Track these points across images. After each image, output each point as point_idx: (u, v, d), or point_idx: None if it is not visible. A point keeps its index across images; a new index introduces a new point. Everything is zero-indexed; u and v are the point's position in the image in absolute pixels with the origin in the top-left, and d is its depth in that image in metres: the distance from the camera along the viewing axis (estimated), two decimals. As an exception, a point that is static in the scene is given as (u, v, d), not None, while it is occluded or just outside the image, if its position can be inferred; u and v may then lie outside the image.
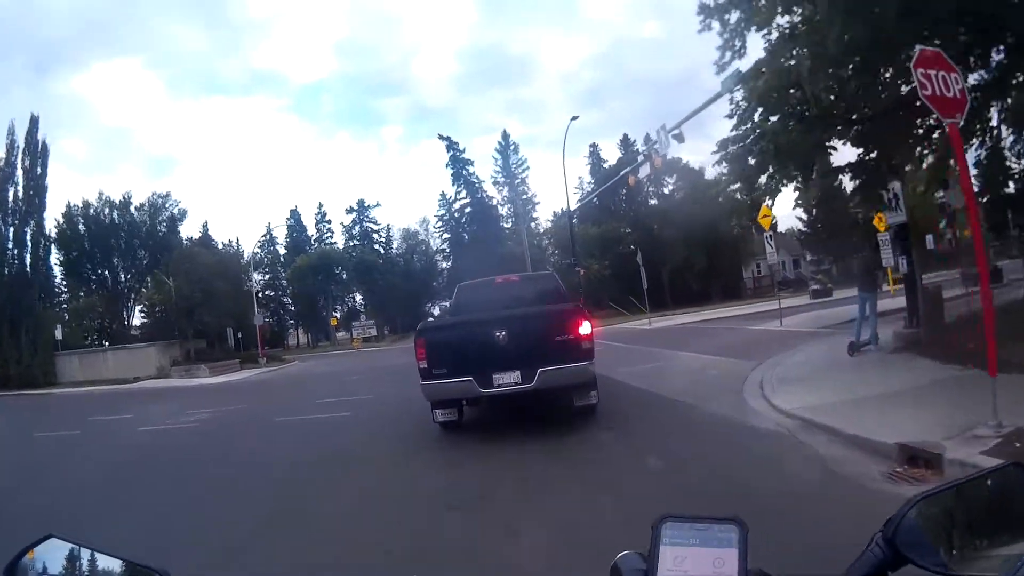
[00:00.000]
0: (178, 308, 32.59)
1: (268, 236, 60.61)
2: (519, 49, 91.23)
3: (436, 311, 60.59)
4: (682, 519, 0.79)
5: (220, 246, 52.22)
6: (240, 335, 36.49)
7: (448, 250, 58.85)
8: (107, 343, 37.23)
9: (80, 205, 44.34)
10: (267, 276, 59.86)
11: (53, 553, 1.02)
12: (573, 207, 35.70)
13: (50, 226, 38.00)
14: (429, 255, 60.29)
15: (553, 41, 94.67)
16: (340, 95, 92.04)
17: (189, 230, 52.26)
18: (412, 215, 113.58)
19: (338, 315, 59.55)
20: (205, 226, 54.77)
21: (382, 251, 59.97)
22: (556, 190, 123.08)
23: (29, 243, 32.17)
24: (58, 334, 30.36)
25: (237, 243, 56.24)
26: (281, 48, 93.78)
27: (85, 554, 1.03)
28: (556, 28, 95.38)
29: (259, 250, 58.91)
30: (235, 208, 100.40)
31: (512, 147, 58.27)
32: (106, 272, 45.14)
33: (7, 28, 64.31)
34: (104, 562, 1.01)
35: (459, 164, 57.04)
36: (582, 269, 32.78)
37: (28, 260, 31.87)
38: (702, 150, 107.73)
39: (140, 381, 25.95)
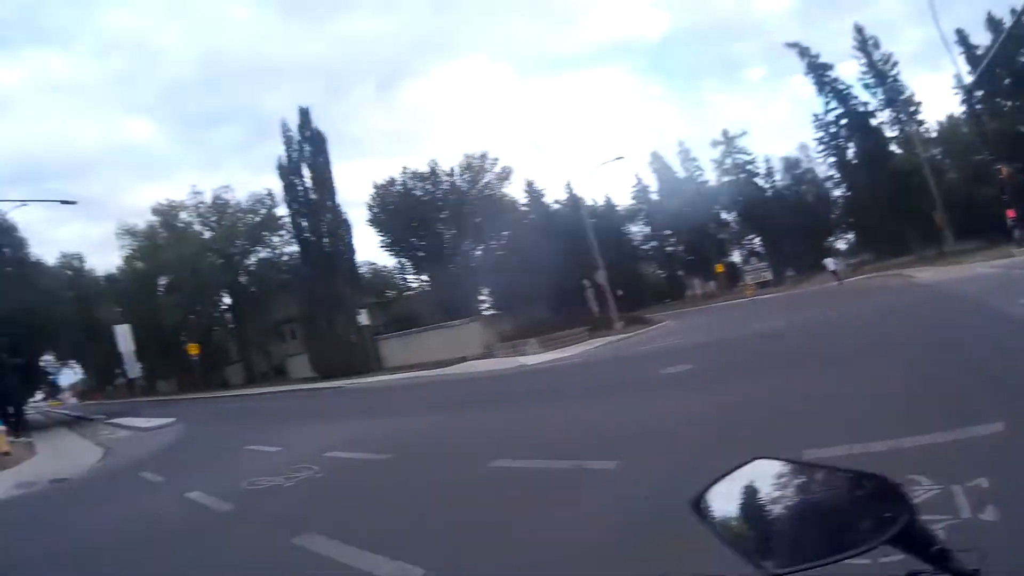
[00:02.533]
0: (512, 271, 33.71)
1: (639, 184, 61.84)
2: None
3: (841, 245, 58.04)
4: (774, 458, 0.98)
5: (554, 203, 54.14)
6: (620, 293, 34.80)
7: (836, 175, 53.35)
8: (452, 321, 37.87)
9: (390, 180, 46.29)
10: (645, 227, 61.23)
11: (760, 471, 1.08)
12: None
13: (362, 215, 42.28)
14: (817, 183, 55.91)
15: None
16: (689, 49, 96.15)
17: (515, 192, 53.01)
18: (787, 145, 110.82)
19: (737, 260, 59.00)
20: (531, 183, 55.61)
21: (764, 185, 57.34)
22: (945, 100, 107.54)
23: (326, 230, 35.24)
24: (363, 319, 31.10)
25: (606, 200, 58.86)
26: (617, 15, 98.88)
27: (795, 469, 1.07)
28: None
29: (633, 201, 61.88)
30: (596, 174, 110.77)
31: (872, 41, 49.06)
32: (438, 244, 46.53)
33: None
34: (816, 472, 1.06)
35: (818, 71, 50.96)
36: (1003, 168, 26.79)
37: (327, 246, 34.91)
38: None
39: (466, 361, 25.33)
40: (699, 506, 1.07)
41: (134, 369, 20.86)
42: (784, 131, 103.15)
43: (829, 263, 42.72)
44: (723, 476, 1.09)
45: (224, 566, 5.30)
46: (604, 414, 9.03)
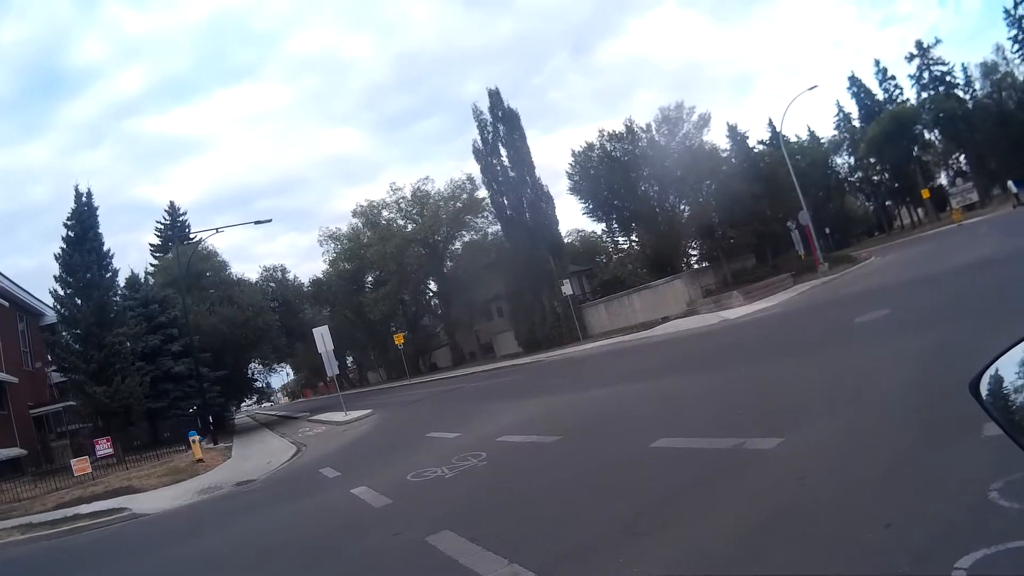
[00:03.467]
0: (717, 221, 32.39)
1: (840, 113, 59.10)
2: None
3: None
4: None
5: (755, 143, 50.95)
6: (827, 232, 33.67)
7: None
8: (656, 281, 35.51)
9: (587, 145, 44.65)
10: (850, 158, 57.87)
11: None
12: None
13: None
14: (1019, 87, 49.97)
15: None
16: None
17: (716, 137, 51.09)
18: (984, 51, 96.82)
19: (944, 182, 54.81)
20: (734, 127, 53.56)
21: (964, 96, 52.48)
22: None
23: (527, 206, 35.46)
24: (567, 288, 30.89)
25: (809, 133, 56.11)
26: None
27: None
28: None
29: (836, 131, 59.01)
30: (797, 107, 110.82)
31: None
32: (642, 203, 44.06)
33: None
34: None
35: None
36: None
37: (529, 221, 35.03)
38: None
39: (668, 321, 24.63)
40: (977, 389, 1.02)
41: (333, 367, 22.53)
42: (978, 35, 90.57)
43: (1011, 186, 38.63)
44: (1002, 354, 1.03)
45: (352, 563, 5.43)
46: (781, 378, 8.36)
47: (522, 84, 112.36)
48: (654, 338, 21.96)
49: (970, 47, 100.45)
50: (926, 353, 6.95)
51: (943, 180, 55.15)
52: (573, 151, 45.65)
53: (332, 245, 51.59)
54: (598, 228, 48.07)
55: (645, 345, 20.50)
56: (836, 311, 14.91)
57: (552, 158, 73.51)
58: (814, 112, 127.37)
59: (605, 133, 44.20)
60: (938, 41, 54.27)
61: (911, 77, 54.21)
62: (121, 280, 26.26)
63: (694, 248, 44.17)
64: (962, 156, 53.27)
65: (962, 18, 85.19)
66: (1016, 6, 47.56)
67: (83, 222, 23.90)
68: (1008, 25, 49.17)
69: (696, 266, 39.07)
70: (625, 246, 47.52)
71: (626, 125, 44.33)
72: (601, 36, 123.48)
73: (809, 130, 57.91)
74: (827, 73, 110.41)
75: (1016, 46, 49.28)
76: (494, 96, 37.70)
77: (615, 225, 45.01)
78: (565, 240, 42.25)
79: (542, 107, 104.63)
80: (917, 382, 5.94)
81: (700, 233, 39.34)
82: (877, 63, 57.56)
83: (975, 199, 45.21)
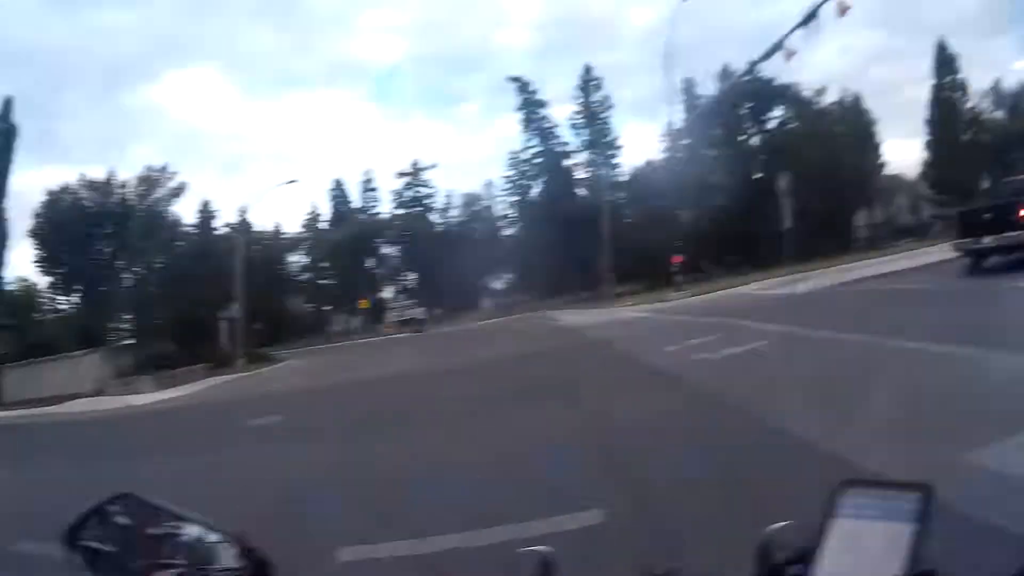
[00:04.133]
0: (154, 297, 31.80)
1: (312, 212, 61.48)
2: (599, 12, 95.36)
3: (498, 284, 61.31)
4: (865, 484, 0.77)
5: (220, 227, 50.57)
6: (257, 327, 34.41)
7: (514, 214, 57.61)
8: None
9: (63, 188, 42.84)
10: (306, 257, 60.20)
11: (127, 508, 1.06)
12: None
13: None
14: (491, 221, 59.11)
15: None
16: (417, 77, 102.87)
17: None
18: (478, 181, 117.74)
19: (389, 296, 59.57)
20: (206, 206, 51.73)
21: (437, 219, 59.27)
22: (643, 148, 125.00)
23: None
24: None
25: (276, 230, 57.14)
26: (355, 37, 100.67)
27: (158, 510, 1.06)
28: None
29: (303, 230, 60.77)
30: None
31: (594, 83, 55.37)
32: (94, 262, 42.46)
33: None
34: (176, 521, 1.03)
35: (531, 108, 55.60)
36: (682, 214, 30.87)
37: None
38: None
39: (76, 399, 23.00)
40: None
41: None
42: (487, 167, 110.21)
43: (413, 312, 45.85)
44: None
45: None
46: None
47: (48, 101, 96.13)
48: (50, 417, 20.53)
49: (474, 177, 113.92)
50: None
51: (389, 293, 60.97)
52: (48, 190, 41.89)
53: None
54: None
55: (32, 425, 19.19)
56: (232, 410, 15.52)
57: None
58: (297, 206, 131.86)
59: (85, 178, 41.53)
60: (433, 165, 59.45)
61: (394, 192, 59.53)
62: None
63: (126, 322, 42.89)
64: (412, 275, 59.54)
65: (479, 149, 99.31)
66: (523, 149, 56.20)
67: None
68: (509, 165, 57.02)
69: (121, 343, 37.86)
70: (65, 306, 43.67)
71: (108, 174, 42.19)
72: (137, 77, 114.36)
73: (275, 224, 59.57)
74: (333, 171, 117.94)
75: (508, 184, 57.33)
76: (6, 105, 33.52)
77: (60, 280, 41.48)
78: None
79: (57, 133, 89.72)
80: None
81: (135, 307, 38.86)
82: (366, 172, 62.10)
83: (420, 315, 48.99)
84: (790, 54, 20.58)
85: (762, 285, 25.13)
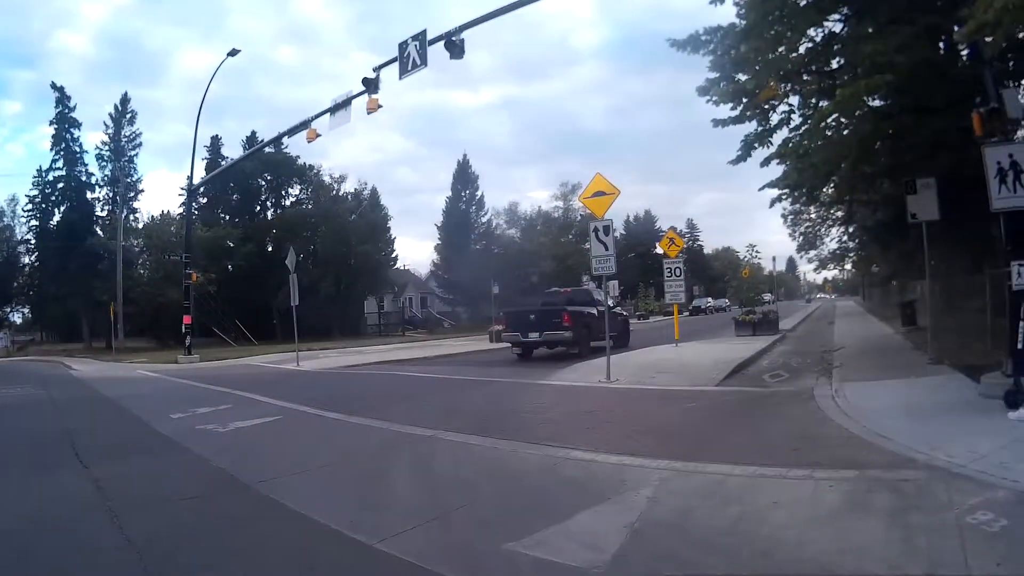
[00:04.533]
0: None
1: None
2: (155, 45, 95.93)
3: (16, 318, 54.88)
4: None
5: None
6: None
7: (34, 241, 51.35)
8: None
9: None
10: None
11: None
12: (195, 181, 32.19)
13: None
14: (11, 244, 52.54)
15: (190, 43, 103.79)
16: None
17: None
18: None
19: None
20: None
21: None
22: (165, 198, 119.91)
23: None
24: None
25: None
26: None
27: None
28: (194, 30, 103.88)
29: None
30: None
31: (130, 115, 51.67)
32: None
33: None
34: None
35: (65, 124, 50.02)
36: (194, 273, 29.57)
37: None
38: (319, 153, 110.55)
39: None
40: None
41: None
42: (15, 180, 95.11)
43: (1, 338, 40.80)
44: None
45: None
46: None
47: None
48: None
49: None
50: None
51: None
52: None
53: None
54: None
55: None
56: None
57: None
58: None
59: None
60: None
61: None
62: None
63: None
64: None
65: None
66: (48, 171, 49.97)
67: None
68: (35, 184, 50.31)
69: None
70: None
71: None
72: None
73: None
74: None
75: (30, 206, 50.75)
76: None
77: None
78: None
79: None
80: None
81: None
82: None
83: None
84: (315, 135, 21.96)
85: (272, 358, 25.66)
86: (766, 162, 14.00)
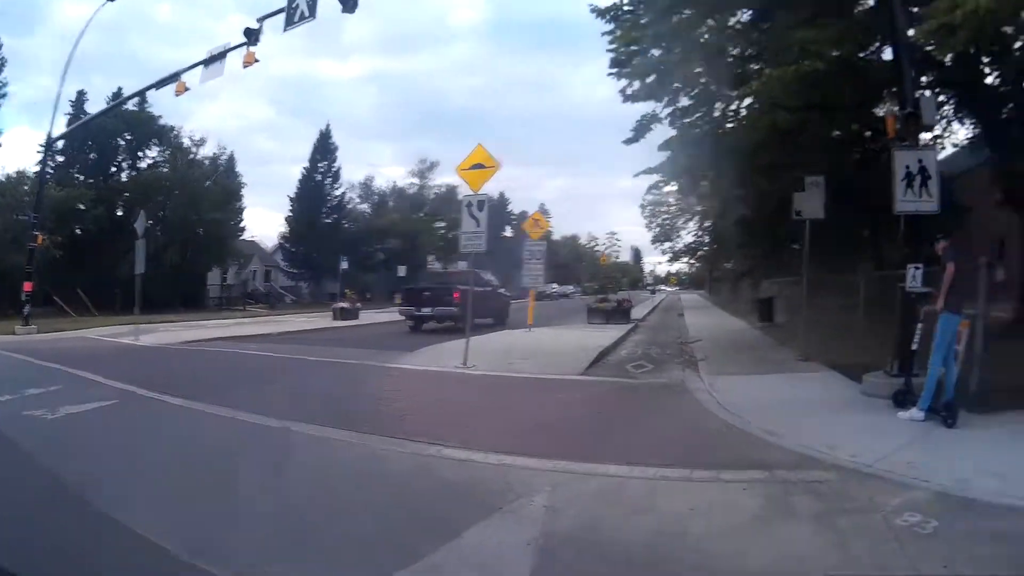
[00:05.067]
0: None
1: None
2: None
3: None
4: None
5: None
6: None
7: None
8: None
9: None
10: None
11: None
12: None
13: None
14: None
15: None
16: None
17: None
18: None
19: None
20: None
21: None
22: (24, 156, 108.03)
23: None
24: None
25: None
26: None
27: None
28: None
29: None
30: None
31: None
32: None
33: None
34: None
35: None
36: (40, 236, 25.70)
37: None
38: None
39: None
40: None
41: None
42: None
43: None
44: None
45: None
46: None
47: None
48: None
49: None
50: None
51: None
52: None
53: None
54: None
55: None
56: None
57: None
58: None
59: None
60: None
61: None
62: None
63: None
64: None
65: None
66: None
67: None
68: None
69: None
70: None
71: None
72: None
73: None
74: None
75: None
76: None
77: None
78: None
79: None
80: None
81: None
82: None
83: None
84: (184, 88, 20.27)
85: (111, 331, 23.31)
86: (666, 145, 13.97)
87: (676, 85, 13.34)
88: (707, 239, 46.23)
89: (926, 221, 8.03)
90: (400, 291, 27.58)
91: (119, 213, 43.97)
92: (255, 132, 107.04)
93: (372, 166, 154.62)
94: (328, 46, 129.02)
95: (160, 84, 21.57)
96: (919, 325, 7.06)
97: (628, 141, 14.29)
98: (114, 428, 7.61)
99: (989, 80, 11.89)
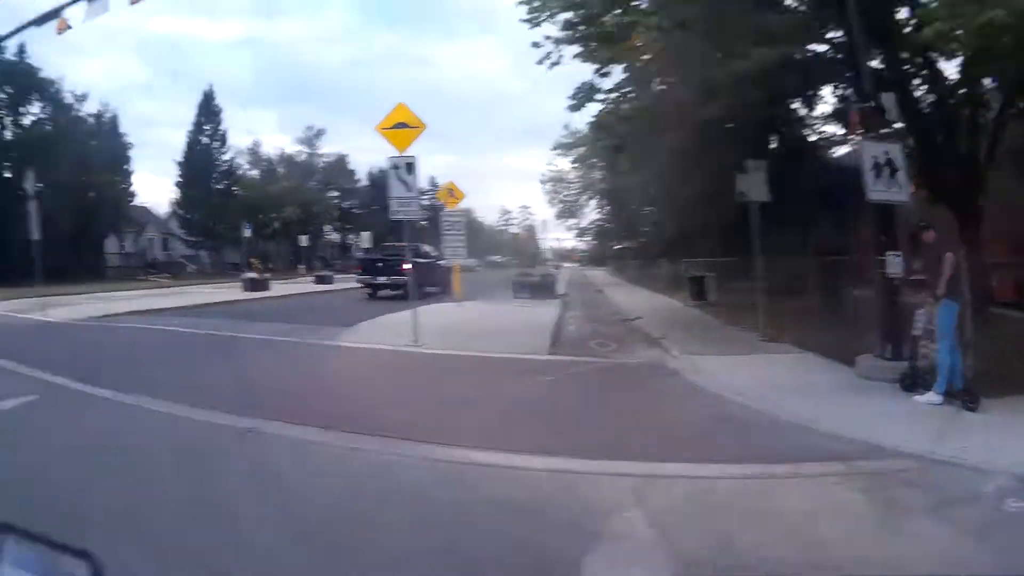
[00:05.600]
0: None
1: None
2: None
3: None
4: (31, 538, 0.69)
5: None
6: None
7: None
8: None
9: None
10: None
11: None
12: None
13: None
14: None
15: None
16: None
17: None
18: None
19: None
20: None
21: None
22: None
23: None
24: None
25: None
26: None
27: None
28: None
29: None
30: None
31: None
32: None
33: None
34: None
35: None
36: None
37: None
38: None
39: None
40: None
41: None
42: None
43: None
44: None
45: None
46: None
47: None
48: None
49: None
50: None
51: None
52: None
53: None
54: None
55: None
56: None
57: None
58: None
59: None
60: None
61: None
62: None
63: None
64: None
65: None
66: None
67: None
68: None
69: None
70: None
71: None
72: None
73: None
74: None
75: None
76: None
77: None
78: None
79: None
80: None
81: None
82: None
83: None
84: (65, 26, 18.27)
85: (14, 306, 21.20)
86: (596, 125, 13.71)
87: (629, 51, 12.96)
88: (610, 216, 46.85)
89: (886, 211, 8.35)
90: (357, 261, 29.95)
91: (7, 175, 40.46)
92: (133, 92, 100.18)
93: (254, 134, 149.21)
94: (201, 3, 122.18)
95: (40, 21, 19.57)
96: (920, 311, 7.10)
97: (572, 108, 14.39)
98: (41, 439, 5.88)
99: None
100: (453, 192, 20.84)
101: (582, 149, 34.59)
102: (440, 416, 6.63)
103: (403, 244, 25.51)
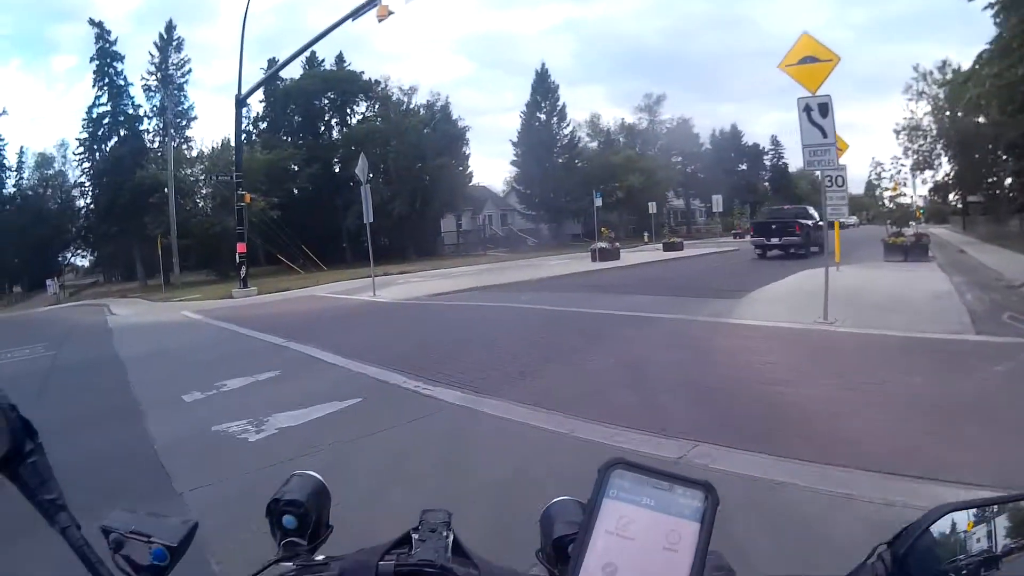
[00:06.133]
0: None
1: None
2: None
3: (81, 262, 55.07)
4: (639, 469, 0.63)
5: None
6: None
7: (88, 183, 50.10)
8: None
9: None
10: None
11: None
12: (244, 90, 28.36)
13: None
14: (65, 189, 51.66)
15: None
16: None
17: None
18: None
19: None
20: None
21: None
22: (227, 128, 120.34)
23: None
24: None
25: None
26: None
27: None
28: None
29: None
30: None
31: (176, 42, 49.90)
32: None
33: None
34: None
35: (106, 59, 48.34)
36: (247, 195, 26.18)
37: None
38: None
39: None
40: None
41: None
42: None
43: (50, 285, 41.50)
44: None
45: None
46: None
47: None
48: None
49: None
50: None
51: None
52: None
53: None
54: None
55: None
56: None
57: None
58: None
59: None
60: (4, 112, 50.90)
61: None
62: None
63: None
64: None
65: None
66: (93, 106, 48.55)
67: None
68: (84, 125, 48.98)
69: None
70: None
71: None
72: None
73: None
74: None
75: (81, 147, 49.28)
76: None
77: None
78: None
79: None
80: None
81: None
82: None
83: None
84: (387, 12, 18.77)
85: (344, 287, 22.50)
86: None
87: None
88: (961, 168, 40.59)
89: None
90: (752, 225, 31.64)
91: (336, 170, 45.56)
92: (459, 87, 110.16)
93: (586, 109, 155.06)
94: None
95: (356, 14, 20.46)
96: None
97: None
98: (355, 463, 4.67)
99: None
100: (836, 143, 18.59)
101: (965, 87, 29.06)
102: (917, 439, 4.59)
103: (788, 207, 26.05)
